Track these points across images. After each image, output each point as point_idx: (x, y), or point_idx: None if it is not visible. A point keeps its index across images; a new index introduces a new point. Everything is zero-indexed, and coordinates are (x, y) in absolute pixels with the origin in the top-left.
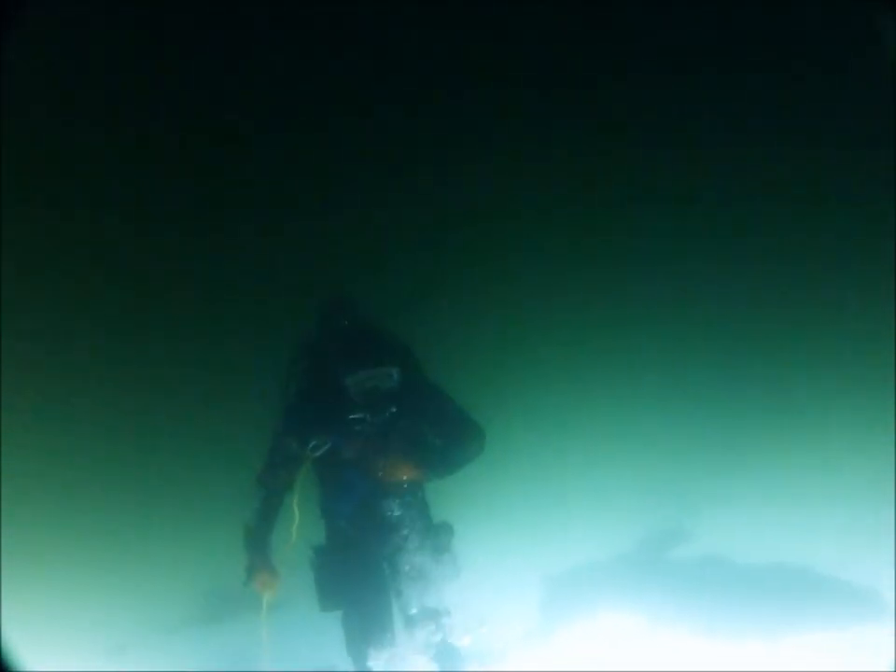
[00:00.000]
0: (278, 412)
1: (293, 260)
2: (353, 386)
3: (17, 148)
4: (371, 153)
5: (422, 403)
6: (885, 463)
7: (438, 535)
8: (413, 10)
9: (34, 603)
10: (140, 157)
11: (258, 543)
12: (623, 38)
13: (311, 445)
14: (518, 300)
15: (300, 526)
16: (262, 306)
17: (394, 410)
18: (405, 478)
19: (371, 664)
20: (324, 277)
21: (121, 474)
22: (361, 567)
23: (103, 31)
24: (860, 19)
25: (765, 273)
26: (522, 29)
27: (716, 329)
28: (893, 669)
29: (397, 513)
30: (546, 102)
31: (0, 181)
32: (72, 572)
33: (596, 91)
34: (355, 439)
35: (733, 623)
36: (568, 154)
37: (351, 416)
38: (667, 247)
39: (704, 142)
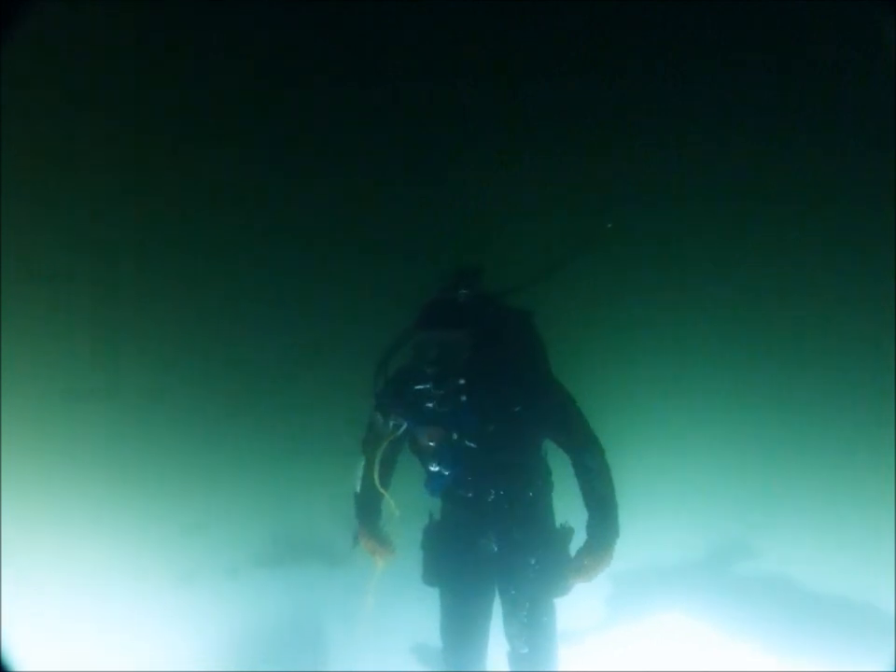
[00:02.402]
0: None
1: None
2: (415, 349)
3: (18, 149)
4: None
5: (498, 385)
6: None
7: (556, 538)
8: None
9: (108, 527)
10: (148, 154)
11: (362, 510)
12: (620, 39)
13: (391, 424)
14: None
15: (397, 502)
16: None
17: (461, 382)
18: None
19: (458, 652)
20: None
21: (197, 411)
22: (465, 551)
23: (104, 30)
24: (860, 19)
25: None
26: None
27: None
28: (893, 670)
29: (495, 510)
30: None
31: (0, 181)
32: (142, 500)
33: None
34: (427, 421)
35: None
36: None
37: (416, 387)
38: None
39: (701, 140)
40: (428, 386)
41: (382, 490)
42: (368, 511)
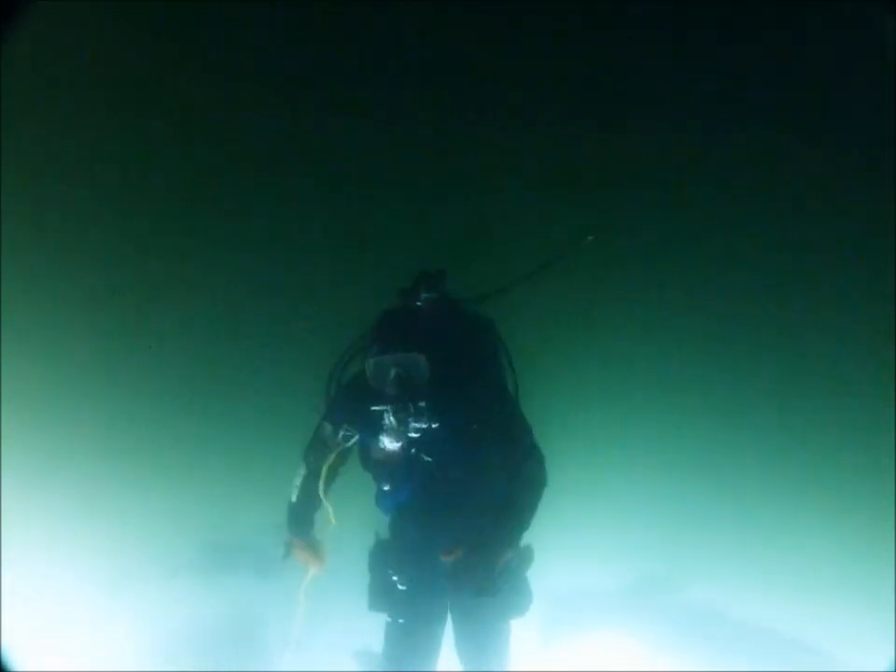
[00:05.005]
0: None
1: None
2: (371, 370)
3: (18, 149)
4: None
5: (459, 406)
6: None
7: (511, 559)
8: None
9: (32, 525)
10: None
11: (296, 519)
12: (620, 40)
13: (341, 435)
14: None
15: (336, 514)
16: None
17: (422, 405)
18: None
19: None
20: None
21: (133, 416)
22: (417, 572)
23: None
24: (860, 19)
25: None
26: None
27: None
28: (893, 669)
29: (450, 528)
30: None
31: (0, 181)
32: (72, 504)
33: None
34: (382, 436)
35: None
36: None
37: (372, 407)
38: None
39: (700, 141)
40: (386, 408)
41: (324, 500)
42: (302, 520)
